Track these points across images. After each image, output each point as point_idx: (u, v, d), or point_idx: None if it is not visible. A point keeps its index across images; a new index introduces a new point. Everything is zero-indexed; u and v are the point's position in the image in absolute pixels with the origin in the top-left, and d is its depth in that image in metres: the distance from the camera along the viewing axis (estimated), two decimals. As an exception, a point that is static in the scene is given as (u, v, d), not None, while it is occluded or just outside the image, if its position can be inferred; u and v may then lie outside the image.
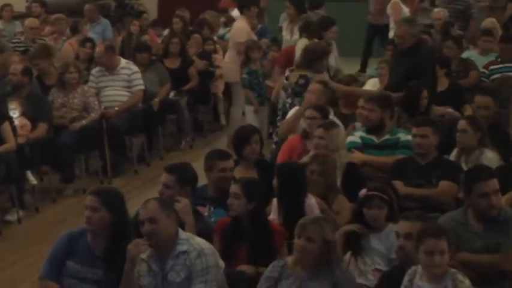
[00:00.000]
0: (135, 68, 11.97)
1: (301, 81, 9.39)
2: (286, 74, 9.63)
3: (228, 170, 7.29)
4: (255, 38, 12.88)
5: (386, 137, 8.33)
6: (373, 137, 8.34)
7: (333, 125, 7.97)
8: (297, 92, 9.44)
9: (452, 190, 7.44)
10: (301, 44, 10.85)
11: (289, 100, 9.42)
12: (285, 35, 13.63)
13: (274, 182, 6.91)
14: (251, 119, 11.95)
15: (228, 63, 13.25)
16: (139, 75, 11.92)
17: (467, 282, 5.37)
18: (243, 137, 7.95)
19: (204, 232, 6.43)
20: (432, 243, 5.37)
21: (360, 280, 6.25)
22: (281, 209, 6.83)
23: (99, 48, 12.27)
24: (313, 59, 9.74)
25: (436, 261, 5.36)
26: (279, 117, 9.41)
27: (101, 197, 5.99)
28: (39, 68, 11.64)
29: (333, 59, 10.69)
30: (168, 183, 6.71)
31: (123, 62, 12.01)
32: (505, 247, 6.14)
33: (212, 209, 7.15)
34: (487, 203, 6.19)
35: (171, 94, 12.86)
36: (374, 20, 16.10)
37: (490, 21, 12.56)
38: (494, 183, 6.24)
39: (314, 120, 8.22)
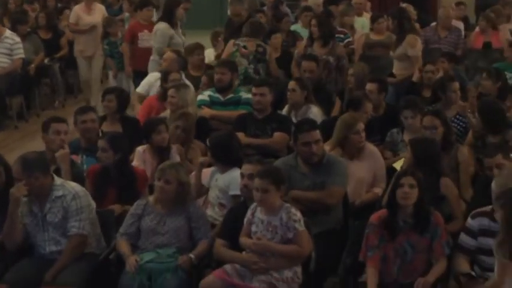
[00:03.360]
0: (17, 39, 11.68)
1: (260, 49, 9.30)
2: (242, 44, 9.33)
3: (88, 121, 7.20)
4: (87, 19, 12.38)
5: (231, 95, 8.35)
6: (219, 95, 8.35)
7: (183, 86, 8.02)
8: (259, 58, 9.29)
9: (284, 139, 7.51)
10: (161, 26, 10.57)
11: (252, 66, 9.23)
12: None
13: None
14: (111, 82, 11.81)
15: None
16: (20, 45, 11.66)
17: (298, 214, 5.43)
18: (102, 96, 8.12)
19: (77, 176, 6.45)
20: (257, 182, 5.41)
21: (208, 212, 6.29)
22: None
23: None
24: (263, 31, 9.66)
25: (258, 196, 5.39)
26: (237, 83, 9.05)
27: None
28: None
29: (177, 37, 10.58)
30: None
31: (8, 32, 11.70)
32: (328, 185, 6.23)
33: (84, 157, 7.06)
34: (308, 150, 6.26)
35: (45, 61, 12.69)
36: None
37: (314, 2, 12.65)
38: (316, 133, 6.30)
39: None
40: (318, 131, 6.34)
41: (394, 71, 9.84)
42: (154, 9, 11.65)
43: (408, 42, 9.70)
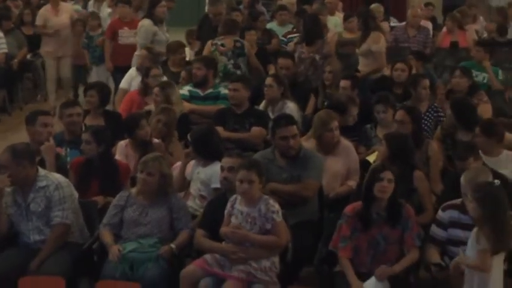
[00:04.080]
0: (0, 34, 11.53)
1: (238, 44, 9.29)
2: (219, 43, 9.28)
3: (74, 115, 7.17)
4: (54, 21, 11.96)
5: (210, 90, 8.36)
6: (198, 90, 8.34)
7: (168, 85, 7.96)
8: (238, 53, 9.26)
9: (262, 134, 7.52)
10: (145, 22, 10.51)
11: (231, 61, 9.19)
12: (103, 11, 12.98)
13: None
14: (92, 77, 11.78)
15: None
16: (3, 40, 11.53)
17: (276, 205, 5.42)
18: (84, 92, 8.08)
19: (61, 168, 6.40)
20: (242, 174, 5.38)
21: (189, 203, 6.26)
22: None
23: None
24: (238, 28, 9.65)
25: (244, 188, 5.37)
26: (218, 80, 9.01)
27: None
28: None
29: (161, 34, 10.54)
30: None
31: None
32: (304, 178, 6.22)
33: (68, 150, 7.02)
34: (286, 144, 6.26)
35: (28, 56, 12.58)
36: None
37: (288, 1, 12.66)
38: (293, 128, 6.31)
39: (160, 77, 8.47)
40: (295, 126, 6.35)
41: (359, 67, 9.88)
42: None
43: (372, 38, 9.75)
